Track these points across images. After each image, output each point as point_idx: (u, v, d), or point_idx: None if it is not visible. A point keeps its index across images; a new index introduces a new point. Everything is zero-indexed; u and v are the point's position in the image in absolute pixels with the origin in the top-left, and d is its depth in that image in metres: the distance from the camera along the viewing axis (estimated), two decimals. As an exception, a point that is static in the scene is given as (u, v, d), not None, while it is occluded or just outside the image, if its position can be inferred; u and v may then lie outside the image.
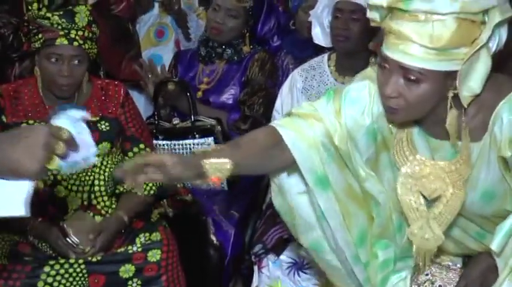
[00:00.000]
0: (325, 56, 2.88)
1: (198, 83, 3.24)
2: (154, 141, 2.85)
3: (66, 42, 2.39)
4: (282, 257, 2.61)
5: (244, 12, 3.23)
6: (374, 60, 2.79)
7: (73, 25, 2.40)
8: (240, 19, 3.22)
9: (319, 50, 2.93)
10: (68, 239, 2.37)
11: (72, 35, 2.40)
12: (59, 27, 2.40)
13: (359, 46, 2.72)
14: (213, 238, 2.85)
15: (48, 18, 2.40)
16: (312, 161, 1.79)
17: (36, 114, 2.49)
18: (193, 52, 3.36)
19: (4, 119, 2.47)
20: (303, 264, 2.61)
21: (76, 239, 2.37)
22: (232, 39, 3.24)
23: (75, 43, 2.40)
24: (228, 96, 3.21)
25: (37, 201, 2.42)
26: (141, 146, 2.62)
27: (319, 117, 1.81)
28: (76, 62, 2.42)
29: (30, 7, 2.40)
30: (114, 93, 2.58)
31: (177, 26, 3.75)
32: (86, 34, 2.43)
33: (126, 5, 3.64)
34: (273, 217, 2.64)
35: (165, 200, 2.67)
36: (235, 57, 3.24)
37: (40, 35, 2.42)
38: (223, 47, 3.23)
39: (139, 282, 2.39)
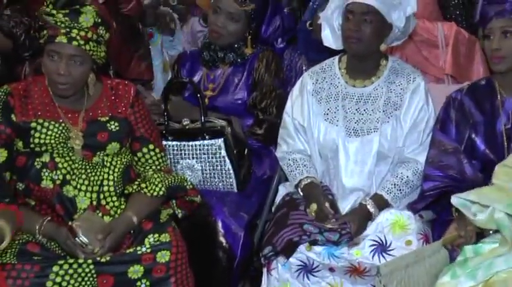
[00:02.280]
0: (336, 58, 2.85)
1: (203, 89, 3.17)
2: (164, 142, 2.82)
3: (65, 40, 2.39)
4: (292, 259, 2.58)
5: (246, 15, 3.15)
6: (385, 63, 2.78)
7: (76, 24, 2.40)
8: (241, 23, 3.15)
9: (333, 52, 2.89)
10: (77, 239, 2.36)
11: (73, 34, 2.39)
12: (62, 25, 2.40)
13: (371, 48, 2.70)
14: (222, 239, 2.83)
15: (53, 15, 2.40)
16: None
17: (46, 113, 2.48)
18: (195, 54, 3.29)
19: (14, 118, 2.46)
20: (312, 267, 2.59)
21: (85, 239, 2.36)
22: (234, 42, 3.18)
23: (75, 43, 2.39)
24: (236, 100, 3.16)
25: (46, 200, 2.45)
26: (151, 146, 2.62)
27: None
28: (76, 62, 2.41)
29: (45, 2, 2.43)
30: (124, 93, 2.58)
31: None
32: (90, 35, 2.42)
33: (135, 4, 3.64)
34: (282, 219, 2.62)
35: (174, 201, 2.65)
36: (239, 60, 3.19)
37: (45, 32, 2.43)
38: (225, 51, 3.18)
39: (148, 283, 2.37)
